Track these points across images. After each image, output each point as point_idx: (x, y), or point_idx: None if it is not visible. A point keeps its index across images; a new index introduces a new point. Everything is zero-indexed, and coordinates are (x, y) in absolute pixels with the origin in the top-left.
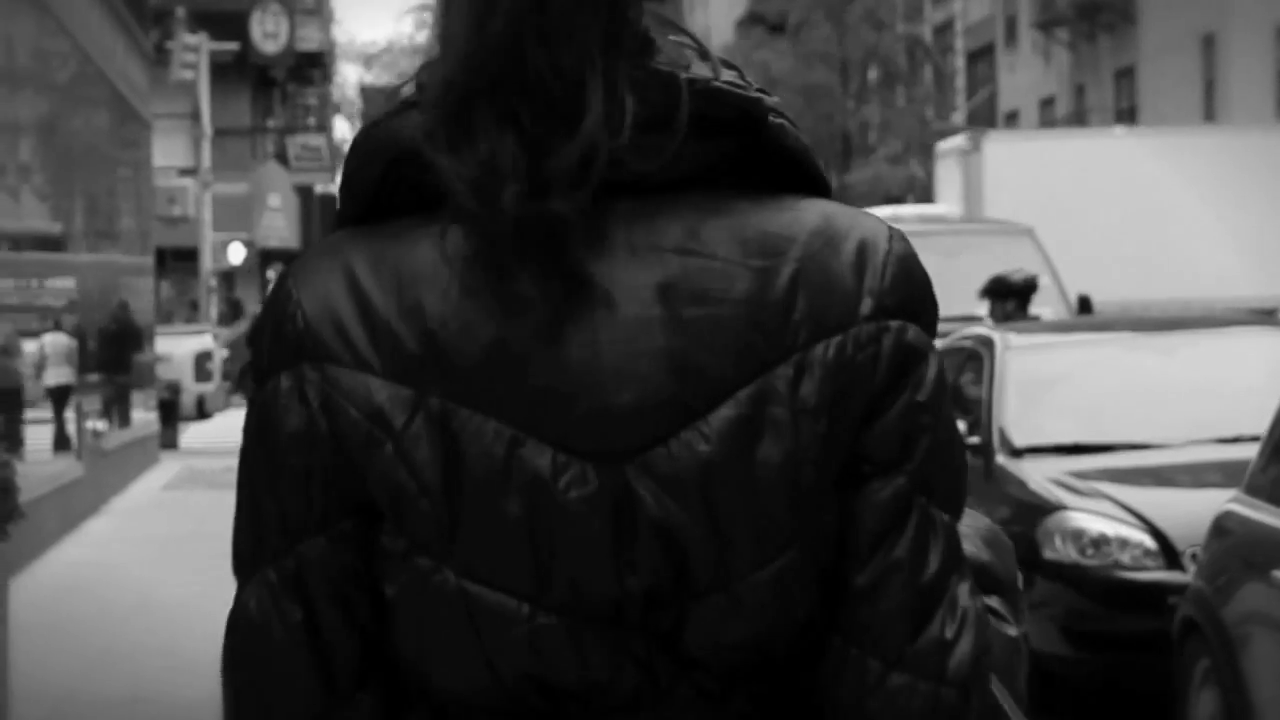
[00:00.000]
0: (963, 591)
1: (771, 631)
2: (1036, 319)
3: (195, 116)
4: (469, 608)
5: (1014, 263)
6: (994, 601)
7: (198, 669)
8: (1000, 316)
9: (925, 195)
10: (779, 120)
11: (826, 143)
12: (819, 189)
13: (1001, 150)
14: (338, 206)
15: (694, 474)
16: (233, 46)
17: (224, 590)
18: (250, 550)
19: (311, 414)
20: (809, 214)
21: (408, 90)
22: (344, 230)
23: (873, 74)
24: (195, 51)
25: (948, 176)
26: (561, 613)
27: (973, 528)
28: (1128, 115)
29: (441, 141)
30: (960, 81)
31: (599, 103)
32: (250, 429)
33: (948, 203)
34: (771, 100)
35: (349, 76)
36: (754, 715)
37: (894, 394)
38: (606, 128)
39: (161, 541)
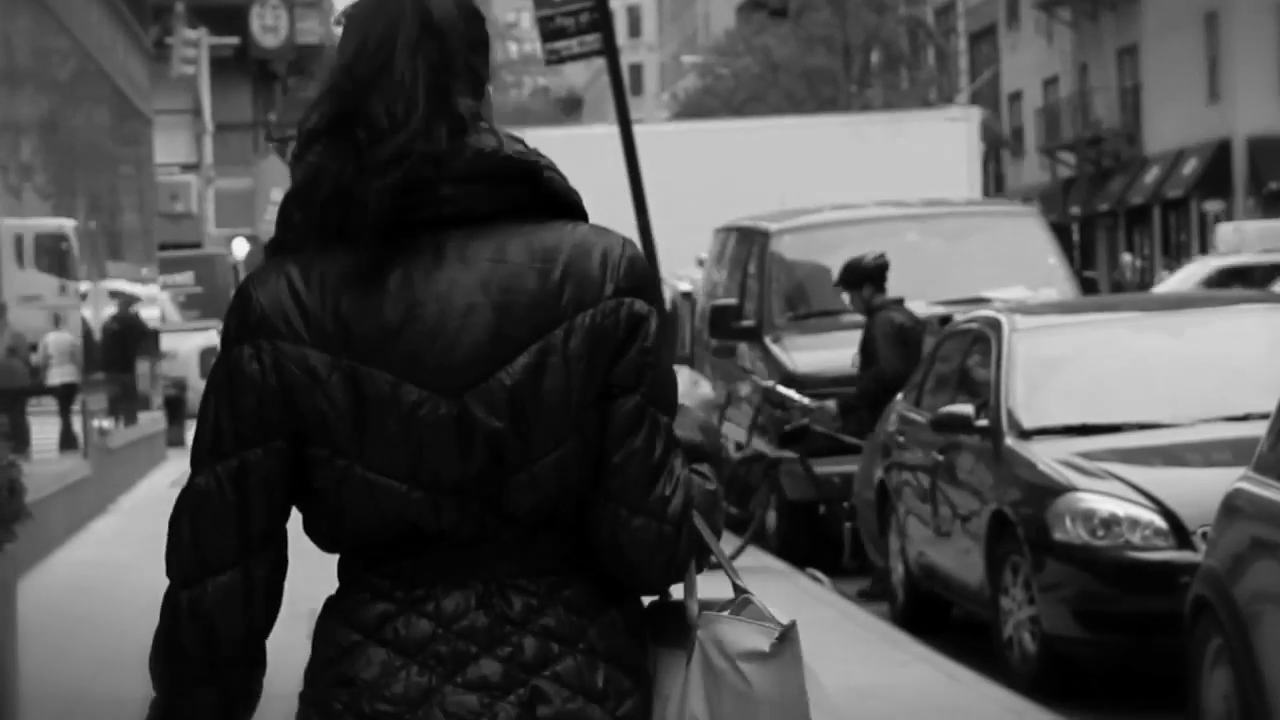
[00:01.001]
0: (677, 464)
1: (558, 496)
2: (899, 301)
3: (196, 112)
4: (370, 487)
5: (1021, 244)
6: (703, 468)
7: None
8: (860, 305)
9: None
10: (550, 174)
11: None
12: (580, 215)
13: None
14: (274, 235)
15: (505, 398)
16: (233, 41)
17: None
18: (205, 452)
19: (264, 370)
20: (573, 233)
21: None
22: (284, 254)
23: (875, 57)
24: (195, 47)
25: None
26: (427, 488)
27: (690, 419)
28: (1131, 94)
29: (333, 168)
30: (963, 63)
31: (431, 139)
32: (218, 376)
33: None
34: (545, 161)
35: None
36: (550, 552)
37: (629, 343)
38: (434, 159)
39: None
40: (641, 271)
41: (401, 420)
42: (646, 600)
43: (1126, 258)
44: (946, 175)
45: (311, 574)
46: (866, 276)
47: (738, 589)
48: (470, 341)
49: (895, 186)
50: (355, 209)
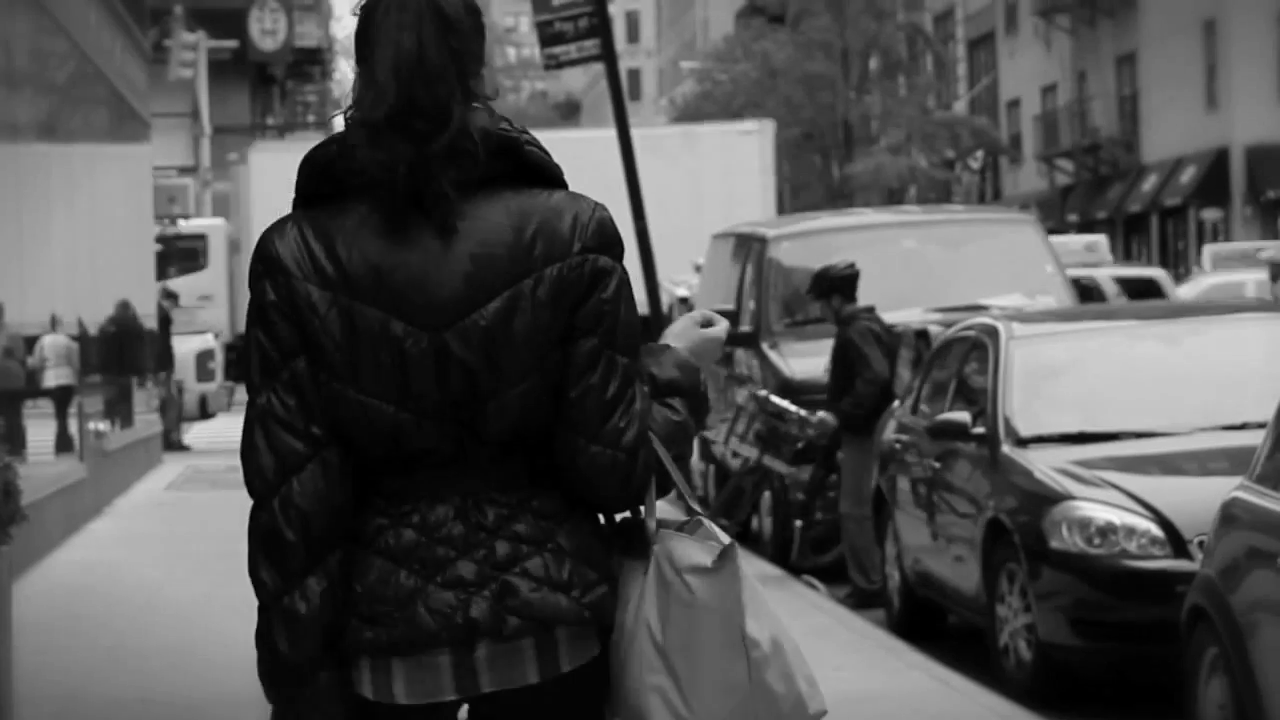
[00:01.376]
0: (632, 400)
1: (525, 422)
2: (870, 309)
3: (194, 115)
4: (363, 407)
5: (1019, 252)
6: (676, 401)
7: (204, 669)
8: (830, 314)
9: (927, 186)
10: (530, 148)
11: (828, 133)
12: (559, 184)
13: (266, 160)
14: (294, 194)
15: (479, 335)
16: (231, 44)
17: (229, 590)
18: (259, 374)
19: (280, 300)
20: (548, 198)
21: (338, 124)
22: (298, 210)
23: (873, 63)
24: (193, 49)
25: (233, 189)
26: (411, 411)
27: (671, 359)
28: (1129, 101)
29: (364, 144)
30: (961, 70)
31: (459, 118)
32: (251, 311)
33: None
34: (527, 137)
35: (348, 73)
36: (519, 470)
37: (591, 293)
38: (460, 138)
39: (165, 541)
40: (609, 233)
41: (389, 351)
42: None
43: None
44: (741, 188)
45: None
46: (836, 286)
47: (690, 511)
48: (451, 286)
49: (689, 199)
50: (415, 180)
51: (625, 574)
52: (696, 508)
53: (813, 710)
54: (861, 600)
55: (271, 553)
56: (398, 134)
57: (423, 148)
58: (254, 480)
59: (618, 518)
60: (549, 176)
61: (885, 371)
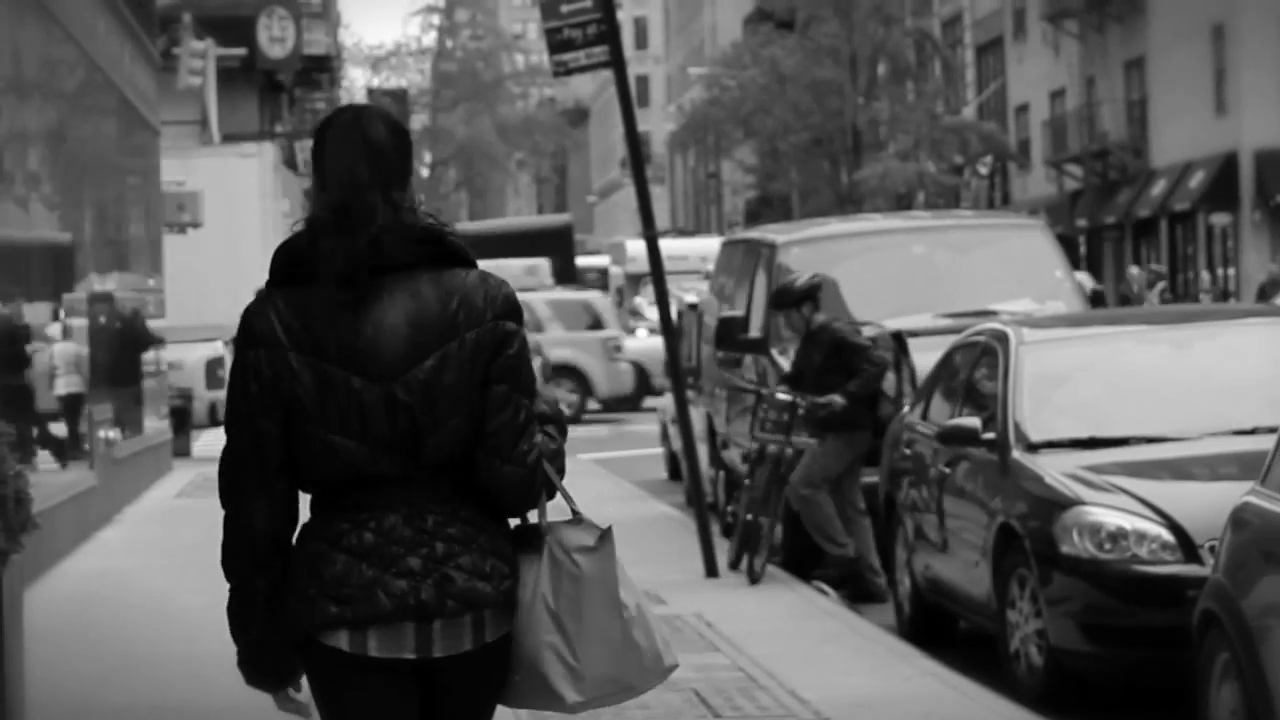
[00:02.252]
0: (532, 430)
1: (454, 450)
2: (836, 318)
3: (203, 123)
4: (331, 443)
5: (1028, 257)
6: (551, 429)
7: (214, 676)
8: (801, 324)
9: (936, 191)
10: (451, 238)
11: (836, 138)
12: (471, 264)
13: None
14: (268, 275)
15: (419, 386)
16: (240, 52)
17: None
18: (232, 421)
19: (261, 367)
20: (465, 277)
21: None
22: (274, 288)
23: (881, 69)
24: (202, 58)
25: None
26: (369, 444)
27: (545, 399)
28: (1138, 106)
29: (324, 235)
30: (970, 75)
31: (381, 218)
32: (235, 373)
33: None
34: (450, 229)
35: (357, 80)
36: (451, 487)
37: (501, 350)
38: (382, 233)
39: (175, 549)
40: (512, 304)
41: (350, 400)
42: (514, 522)
43: (1134, 271)
44: (242, 216)
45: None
46: (803, 297)
47: (574, 512)
48: (395, 349)
49: (205, 232)
50: (348, 264)
51: (523, 564)
52: (577, 508)
53: (668, 663)
54: (846, 569)
55: (234, 554)
56: (340, 231)
57: (355, 240)
58: (223, 496)
59: (512, 524)
60: (464, 259)
61: (886, 359)
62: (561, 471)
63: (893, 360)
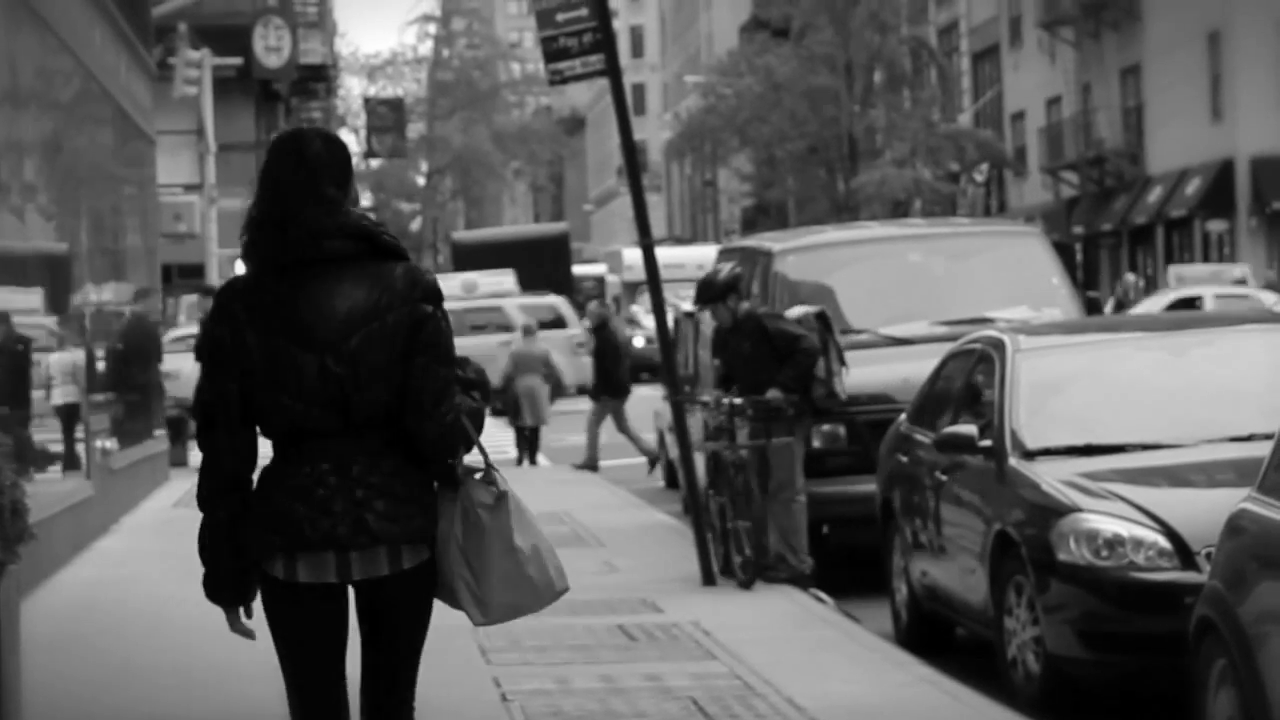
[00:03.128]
0: (451, 393)
1: (376, 411)
2: (807, 316)
3: (199, 132)
4: (277, 403)
5: (1024, 264)
6: (476, 394)
7: (211, 686)
8: (728, 315)
9: (932, 199)
10: (383, 234)
11: (832, 146)
12: (404, 257)
13: None
14: (241, 266)
15: (348, 356)
16: (236, 61)
17: None
18: (205, 383)
19: (225, 340)
20: (394, 268)
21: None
22: (238, 276)
23: (877, 77)
24: (198, 67)
25: None
26: (307, 403)
27: (472, 368)
28: (1134, 113)
29: (266, 234)
30: (966, 83)
31: (309, 219)
32: (206, 343)
33: None
34: (382, 227)
35: (353, 89)
36: (375, 441)
37: (421, 327)
38: (308, 231)
39: (173, 559)
40: (432, 289)
41: (291, 367)
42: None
43: (1130, 277)
44: None
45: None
46: (727, 289)
47: (487, 466)
48: (329, 327)
49: None
50: (289, 256)
51: (442, 502)
52: (491, 464)
53: (559, 588)
54: (793, 578)
55: (203, 485)
56: (274, 229)
57: (283, 236)
58: (199, 438)
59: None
60: (397, 253)
61: (817, 344)
62: (480, 429)
63: (819, 341)
